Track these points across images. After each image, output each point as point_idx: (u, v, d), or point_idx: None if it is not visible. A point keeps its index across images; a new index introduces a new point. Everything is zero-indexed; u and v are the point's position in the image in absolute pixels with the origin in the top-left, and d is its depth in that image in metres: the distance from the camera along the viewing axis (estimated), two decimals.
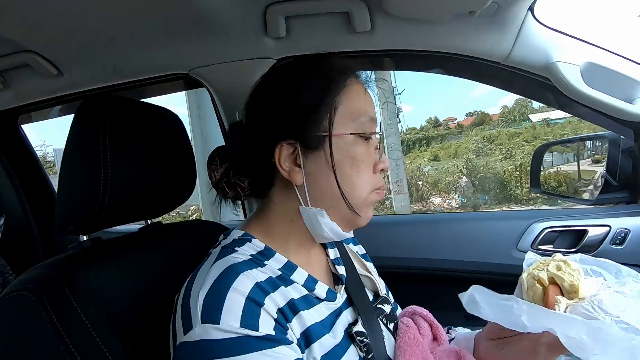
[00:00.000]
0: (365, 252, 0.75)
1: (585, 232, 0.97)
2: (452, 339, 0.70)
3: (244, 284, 0.45)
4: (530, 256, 0.56)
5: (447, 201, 7.69)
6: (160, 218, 0.80)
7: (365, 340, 0.53)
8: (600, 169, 1.11)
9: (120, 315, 0.54)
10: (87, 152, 0.58)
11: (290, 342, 0.45)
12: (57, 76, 0.98)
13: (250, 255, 0.52)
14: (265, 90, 0.57)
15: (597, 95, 0.79)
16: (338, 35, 0.89)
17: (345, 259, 0.65)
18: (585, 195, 1.27)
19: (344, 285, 0.60)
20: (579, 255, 0.55)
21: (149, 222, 0.76)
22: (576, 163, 1.39)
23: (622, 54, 0.79)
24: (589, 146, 1.37)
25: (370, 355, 0.53)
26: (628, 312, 0.44)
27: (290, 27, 0.89)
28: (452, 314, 1.07)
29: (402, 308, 0.72)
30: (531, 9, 0.80)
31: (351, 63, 0.58)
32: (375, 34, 0.89)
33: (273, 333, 0.44)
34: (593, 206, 1.10)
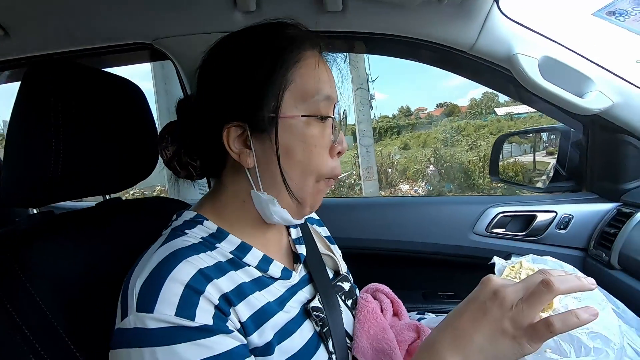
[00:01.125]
0: (329, 234, 0.76)
1: (534, 217, 1.04)
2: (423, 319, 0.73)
3: (185, 271, 0.43)
4: (498, 262, 0.55)
5: (414, 188, 7.92)
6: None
7: (321, 315, 0.54)
8: (553, 160, 1.18)
9: (74, 293, 0.51)
10: (36, 120, 0.54)
11: (230, 331, 0.44)
12: (3, 37, 0.90)
13: (201, 238, 0.50)
14: (213, 64, 0.52)
15: (551, 88, 0.83)
16: (309, 13, 0.88)
17: (307, 238, 0.66)
18: (538, 184, 1.35)
19: (301, 264, 0.60)
20: (530, 255, 0.56)
21: (107, 198, 0.73)
22: (532, 154, 1.47)
23: (576, 50, 0.84)
24: (544, 138, 1.45)
25: (326, 329, 0.54)
26: None
27: (260, 2, 0.87)
28: (411, 292, 1.13)
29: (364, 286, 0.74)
30: (497, 0, 0.83)
31: (308, 33, 0.52)
32: (346, 14, 0.88)
33: (210, 323, 0.42)
34: (544, 193, 1.18)
